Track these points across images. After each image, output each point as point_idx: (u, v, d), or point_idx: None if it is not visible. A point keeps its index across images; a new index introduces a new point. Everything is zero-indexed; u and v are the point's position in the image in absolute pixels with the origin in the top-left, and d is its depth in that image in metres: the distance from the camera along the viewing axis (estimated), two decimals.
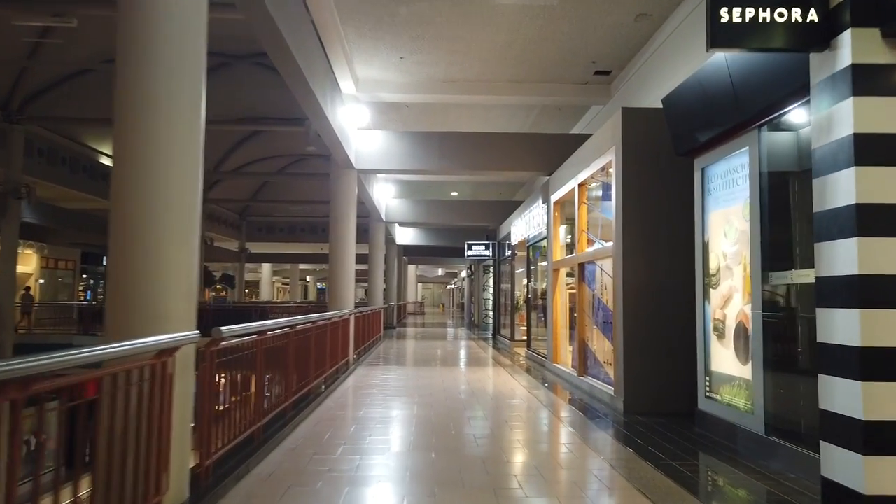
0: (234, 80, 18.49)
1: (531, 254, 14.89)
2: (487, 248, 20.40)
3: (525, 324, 16.89)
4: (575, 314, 11.33)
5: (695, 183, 6.52)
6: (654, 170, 7.45)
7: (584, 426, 6.68)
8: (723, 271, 6.02)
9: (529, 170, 12.13)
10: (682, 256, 7.19)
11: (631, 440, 5.93)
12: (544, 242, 13.03)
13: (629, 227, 7.41)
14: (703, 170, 6.41)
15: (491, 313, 23.30)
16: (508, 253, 18.07)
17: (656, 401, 7.20)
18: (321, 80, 9.07)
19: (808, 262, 4.76)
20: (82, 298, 31.44)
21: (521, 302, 17.87)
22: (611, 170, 8.02)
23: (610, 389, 7.83)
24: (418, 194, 22.25)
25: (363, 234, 21.84)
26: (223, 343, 4.43)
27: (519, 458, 5.33)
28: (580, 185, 9.53)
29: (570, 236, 11.67)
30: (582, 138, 10.61)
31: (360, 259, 23.40)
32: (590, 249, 9.14)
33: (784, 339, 5.28)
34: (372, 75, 11.02)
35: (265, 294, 52.15)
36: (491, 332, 21.98)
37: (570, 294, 11.57)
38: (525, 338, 15.85)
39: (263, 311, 25.61)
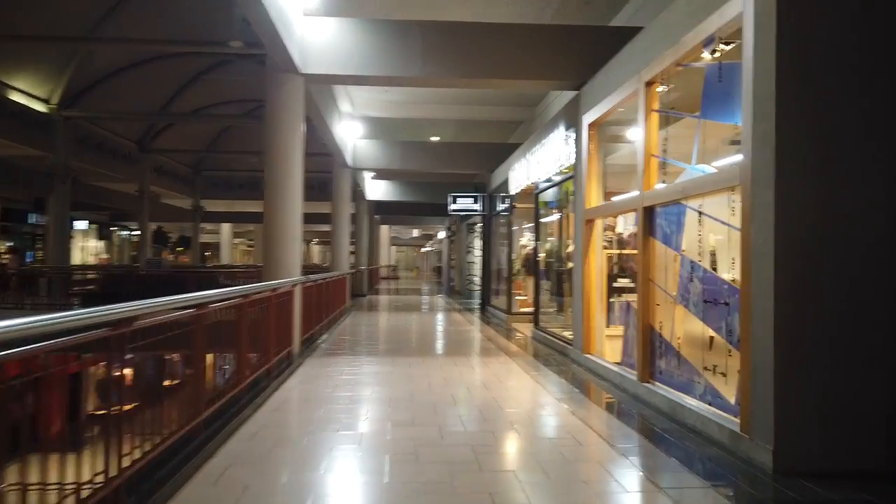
0: None
1: (540, 203, 11.44)
2: (476, 201, 16.90)
3: (527, 294, 13.58)
4: (616, 283, 8.02)
5: None
6: (842, 16, 3.99)
7: None
8: None
9: (550, 79, 8.57)
10: None
11: None
12: (567, 186, 9.60)
13: (789, 127, 3.96)
14: None
15: (478, 279, 19.94)
16: (504, 205, 14.61)
17: (843, 450, 3.89)
18: None
19: None
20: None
21: (519, 266, 14.53)
22: (737, 37, 4.58)
23: (729, 421, 4.49)
24: (392, 135, 18.52)
25: (326, 189, 18.17)
26: None
27: None
28: (649, 83, 6.05)
29: (602, 179, 8.26)
30: (629, 32, 7.09)
31: (324, 219, 19.76)
32: (673, 183, 5.71)
33: None
34: None
35: (226, 257, 48.07)
36: (478, 301, 18.63)
37: (608, 256, 8.24)
38: (529, 311, 12.52)
39: (211, 276, 21.85)
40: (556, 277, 10.94)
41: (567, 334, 9.26)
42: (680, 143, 5.80)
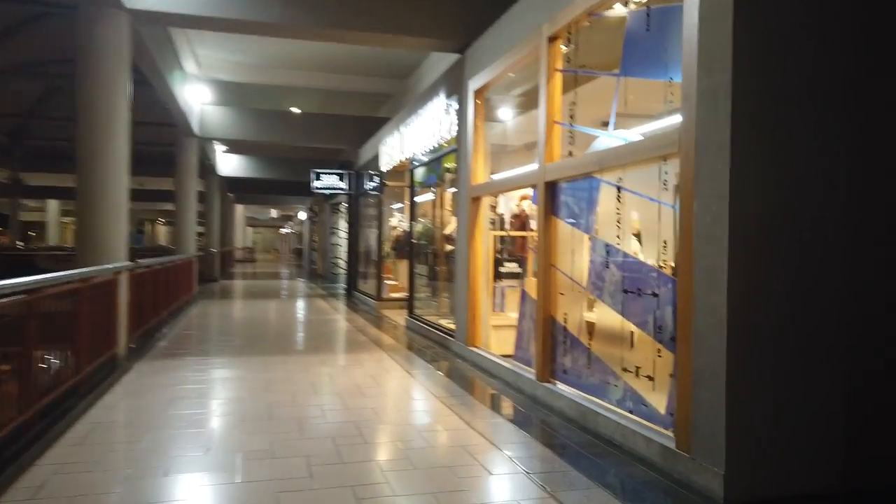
0: None
1: (415, 181, 10.47)
2: (341, 178, 15.60)
3: (399, 278, 12.65)
4: (503, 267, 7.28)
5: None
6: None
7: None
8: None
9: (432, 37, 7.54)
10: None
11: None
12: (448, 161, 8.71)
13: (749, 80, 3.25)
14: None
15: (343, 263, 18.71)
16: (374, 184, 13.48)
17: (806, 471, 3.29)
18: None
19: None
20: None
21: (390, 248, 13.53)
22: None
23: (660, 435, 3.78)
24: (246, 103, 16.66)
25: (172, 164, 15.97)
26: None
27: None
28: (552, 38, 5.23)
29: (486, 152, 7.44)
30: None
31: (171, 196, 17.44)
32: (585, 153, 4.93)
33: None
34: None
35: (54, 238, 42.66)
36: (344, 286, 17.42)
37: (495, 237, 7.46)
38: (401, 297, 11.59)
39: (27, 260, 18.79)
40: (434, 260, 10.06)
41: (446, 323, 8.42)
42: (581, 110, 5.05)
